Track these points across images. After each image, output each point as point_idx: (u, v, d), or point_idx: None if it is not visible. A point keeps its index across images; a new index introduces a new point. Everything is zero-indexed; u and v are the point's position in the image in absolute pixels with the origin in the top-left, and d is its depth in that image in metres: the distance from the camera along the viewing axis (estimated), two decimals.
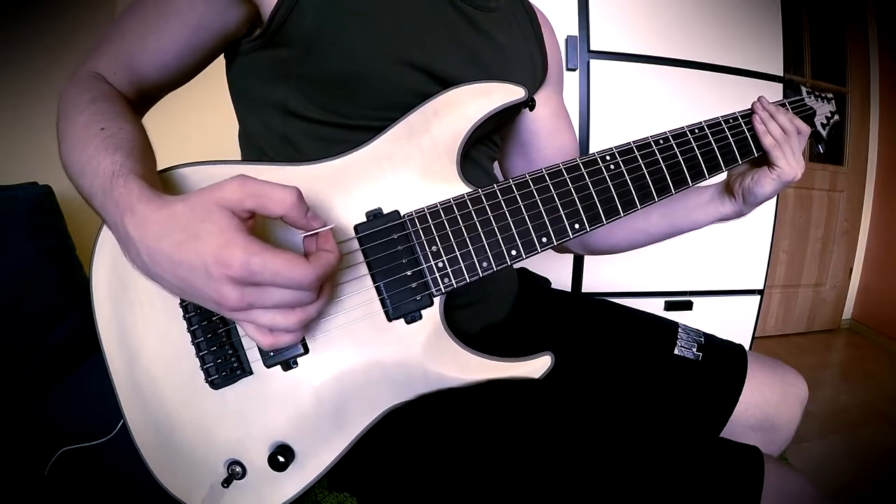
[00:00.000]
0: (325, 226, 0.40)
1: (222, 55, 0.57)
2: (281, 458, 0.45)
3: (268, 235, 0.45)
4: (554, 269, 1.39)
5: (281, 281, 0.35)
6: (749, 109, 0.62)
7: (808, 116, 0.67)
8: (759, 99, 0.61)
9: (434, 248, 0.49)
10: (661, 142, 0.56)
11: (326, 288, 0.40)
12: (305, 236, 0.40)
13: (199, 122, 1.36)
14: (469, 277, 0.49)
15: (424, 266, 0.48)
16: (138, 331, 0.46)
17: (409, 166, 0.50)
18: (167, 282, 0.37)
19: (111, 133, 0.43)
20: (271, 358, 0.46)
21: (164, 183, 0.46)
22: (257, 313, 0.36)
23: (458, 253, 0.49)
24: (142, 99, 0.53)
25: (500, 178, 0.75)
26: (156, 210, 0.36)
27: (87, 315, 0.48)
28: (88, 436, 0.63)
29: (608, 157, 0.54)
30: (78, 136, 0.43)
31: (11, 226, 0.93)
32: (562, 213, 0.51)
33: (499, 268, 0.50)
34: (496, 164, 0.72)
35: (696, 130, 0.58)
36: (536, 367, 0.51)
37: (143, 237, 0.36)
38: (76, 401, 0.87)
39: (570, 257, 1.40)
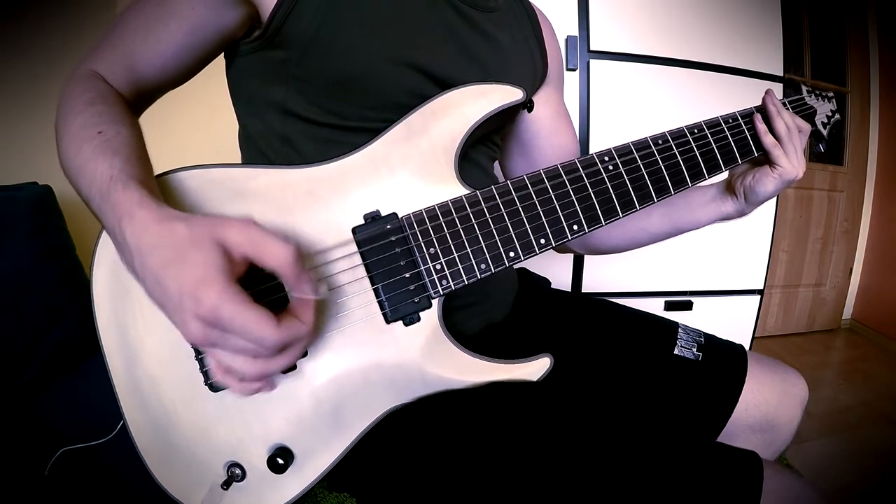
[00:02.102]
0: (315, 293, 0.39)
1: (222, 56, 0.57)
2: (280, 461, 0.45)
3: None
4: (554, 269, 1.39)
5: (245, 335, 0.34)
6: (748, 109, 0.62)
7: (808, 115, 0.67)
8: (768, 91, 0.61)
9: (432, 250, 0.48)
10: (660, 142, 0.56)
11: (292, 351, 0.39)
12: (295, 295, 0.39)
13: (199, 123, 1.36)
14: (467, 279, 0.49)
15: (423, 268, 0.48)
16: (138, 331, 0.46)
17: (407, 168, 0.50)
18: (149, 291, 0.37)
19: (108, 137, 0.43)
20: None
21: (162, 186, 0.46)
22: (218, 352, 0.36)
23: (456, 255, 0.49)
24: (139, 98, 0.53)
25: (501, 178, 0.75)
26: (155, 221, 0.36)
27: (86, 315, 0.48)
28: (88, 436, 0.63)
29: (606, 158, 0.54)
30: (75, 137, 0.43)
31: (11, 226, 0.94)
32: (560, 214, 0.51)
33: (497, 270, 0.50)
34: (496, 164, 0.72)
35: (696, 130, 0.58)
36: (535, 369, 0.51)
37: (139, 244, 0.36)
38: (76, 401, 0.88)
39: (569, 257, 1.40)
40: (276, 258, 0.36)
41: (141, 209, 0.37)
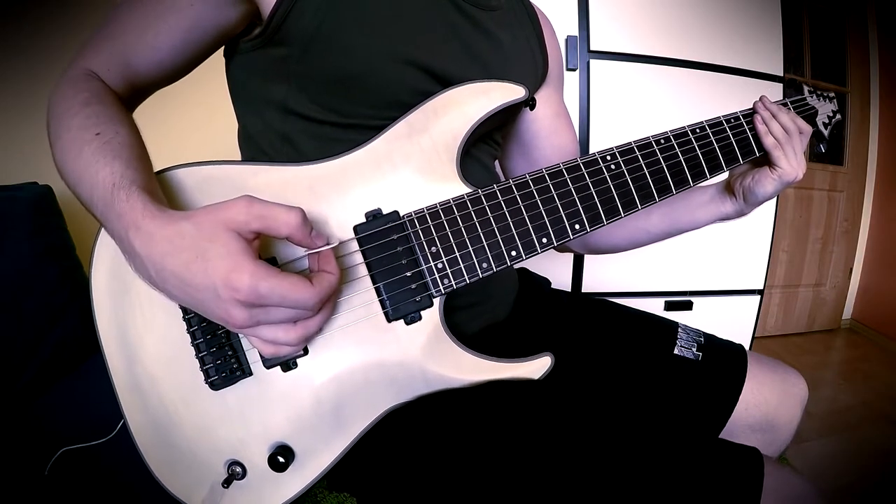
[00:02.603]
0: (328, 244, 0.41)
1: (222, 55, 0.57)
2: (281, 459, 0.45)
3: (272, 244, 0.46)
4: (554, 268, 1.39)
5: (286, 303, 0.37)
6: (751, 109, 0.61)
7: (809, 116, 0.67)
8: (760, 98, 0.61)
9: (434, 248, 0.48)
10: (662, 141, 0.56)
11: (328, 305, 0.42)
12: (310, 254, 0.42)
13: (198, 122, 1.36)
14: (469, 278, 0.49)
15: (424, 267, 0.48)
16: (138, 331, 0.46)
17: (408, 166, 0.50)
18: (175, 297, 0.39)
19: (107, 139, 0.43)
20: (271, 359, 0.46)
21: (162, 184, 0.46)
22: (262, 329, 0.39)
23: (457, 254, 0.49)
24: (134, 94, 0.53)
25: (502, 176, 0.75)
26: (161, 227, 0.37)
27: (86, 315, 0.48)
28: (88, 436, 0.63)
29: (609, 157, 0.54)
30: (72, 141, 0.43)
31: (11, 226, 0.93)
32: (562, 213, 0.51)
33: (499, 269, 0.50)
34: (497, 162, 0.72)
35: (698, 130, 0.58)
36: (536, 367, 0.51)
37: (150, 254, 0.37)
38: (76, 401, 0.88)
39: (570, 257, 1.40)
40: (286, 225, 0.38)
41: (145, 218, 0.38)
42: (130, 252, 0.39)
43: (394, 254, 0.48)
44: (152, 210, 0.38)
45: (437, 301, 0.49)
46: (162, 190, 0.45)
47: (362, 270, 0.47)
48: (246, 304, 0.36)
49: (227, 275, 0.35)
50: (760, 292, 1.53)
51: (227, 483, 0.46)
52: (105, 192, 0.40)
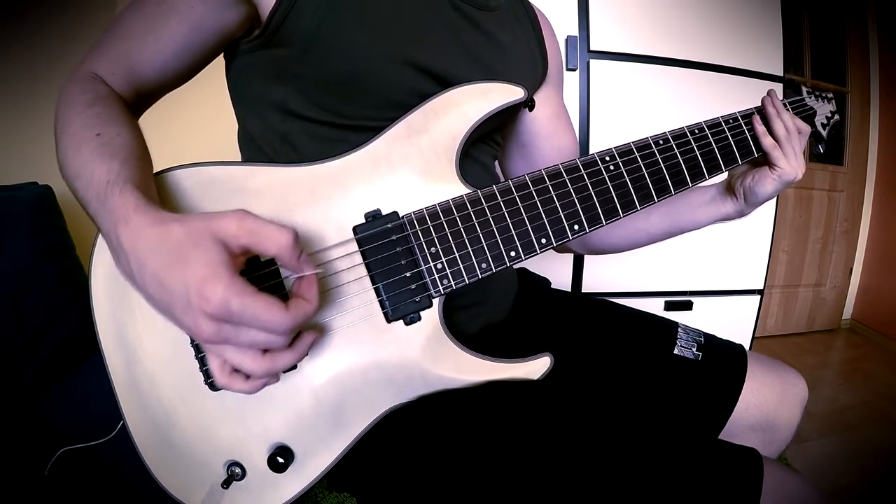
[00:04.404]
0: (315, 271, 0.39)
1: (222, 56, 0.57)
2: (280, 460, 0.45)
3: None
4: (554, 269, 1.39)
5: (257, 324, 0.35)
6: (749, 110, 0.62)
7: (808, 116, 0.67)
8: (769, 93, 0.61)
9: (433, 249, 0.48)
10: (661, 142, 0.56)
11: (301, 343, 0.40)
12: (295, 279, 0.40)
13: (198, 122, 1.36)
14: (468, 279, 0.49)
15: (423, 267, 0.48)
16: (137, 331, 0.46)
17: (408, 167, 0.50)
18: (150, 297, 0.37)
19: (107, 139, 0.43)
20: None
21: (160, 185, 0.46)
22: (229, 350, 0.36)
23: (457, 254, 0.49)
24: (140, 99, 0.53)
25: (502, 177, 0.75)
26: (151, 224, 0.36)
27: (86, 315, 0.48)
28: (88, 436, 0.63)
29: (608, 158, 0.54)
30: (73, 138, 0.43)
31: (11, 226, 0.94)
32: (561, 213, 0.51)
33: (498, 269, 0.50)
34: (497, 163, 0.72)
35: (696, 131, 0.58)
36: (535, 368, 0.51)
37: (135, 248, 0.36)
38: (76, 401, 0.88)
39: (569, 257, 1.40)
40: (275, 244, 0.36)
41: (136, 213, 0.37)
42: (116, 247, 0.38)
43: (393, 254, 0.48)
44: (144, 207, 0.37)
45: (436, 301, 0.49)
46: (162, 190, 0.45)
47: (362, 271, 0.48)
48: (214, 318, 0.34)
49: (202, 283, 0.33)
50: (760, 292, 1.53)
51: (226, 484, 0.46)
52: (99, 188, 0.39)
